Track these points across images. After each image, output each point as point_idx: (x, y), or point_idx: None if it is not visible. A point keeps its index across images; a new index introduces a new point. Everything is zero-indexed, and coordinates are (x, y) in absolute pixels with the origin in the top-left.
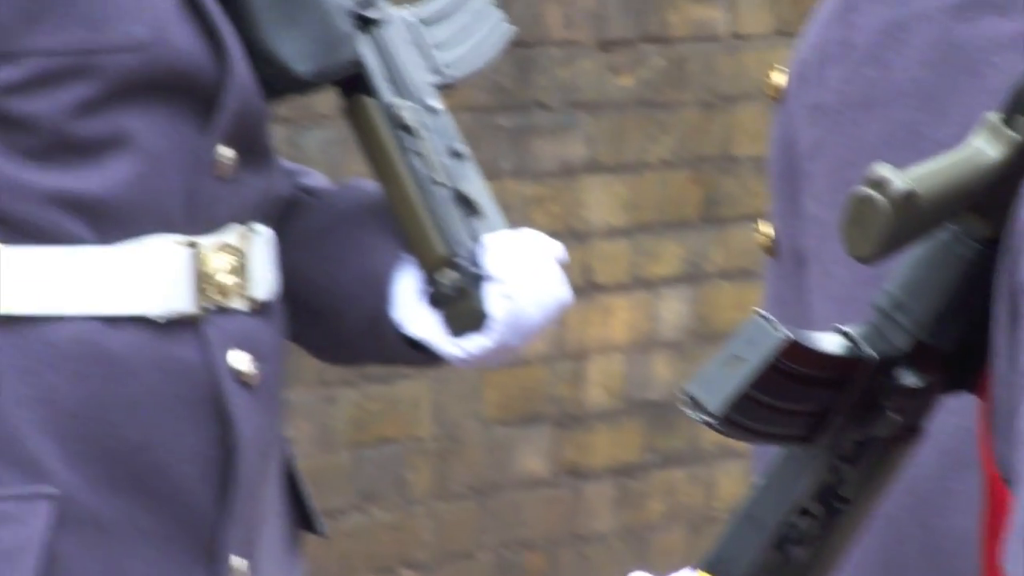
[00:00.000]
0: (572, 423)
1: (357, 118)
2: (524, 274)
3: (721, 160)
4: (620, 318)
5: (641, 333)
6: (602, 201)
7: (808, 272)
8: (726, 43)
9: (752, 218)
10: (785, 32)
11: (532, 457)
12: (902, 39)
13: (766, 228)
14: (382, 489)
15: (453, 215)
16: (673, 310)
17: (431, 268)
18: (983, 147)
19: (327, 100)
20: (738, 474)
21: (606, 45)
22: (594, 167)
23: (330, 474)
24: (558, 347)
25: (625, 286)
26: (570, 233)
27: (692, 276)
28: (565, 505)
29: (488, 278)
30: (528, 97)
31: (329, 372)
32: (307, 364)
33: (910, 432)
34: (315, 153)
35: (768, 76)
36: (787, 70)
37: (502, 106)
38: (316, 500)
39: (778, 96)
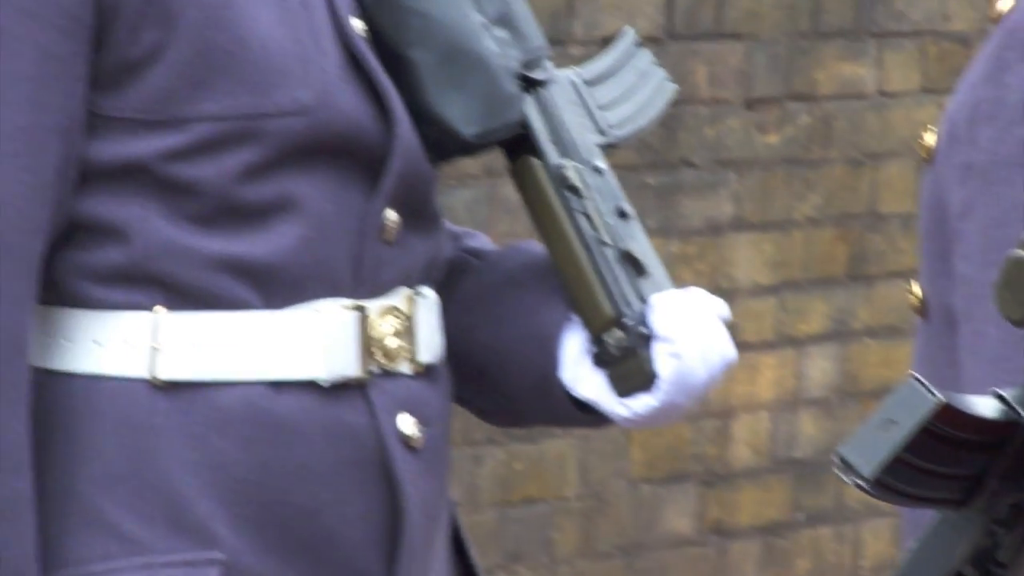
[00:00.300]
0: (718, 481)
1: (523, 179)
2: (691, 333)
3: (868, 217)
4: (766, 376)
5: (787, 391)
6: (748, 259)
7: (959, 333)
8: (873, 100)
9: (899, 276)
10: (932, 90)
11: (678, 516)
12: None
13: (916, 288)
14: (528, 549)
15: (620, 275)
16: (819, 368)
17: (598, 329)
18: None
19: (473, 159)
20: (885, 532)
21: (752, 103)
22: (740, 225)
23: (476, 534)
24: (703, 405)
25: (771, 344)
26: (716, 291)
27: (838, 334)
28: (711, 564)
29: (655, 338)
30: (675, 155)
31: (475, 431)
32: (453, 423)
33: None
34: (461, 212)
35: (915, 134)
36: (937, 130)
37: (649, 164)
38: None
39: (928, 156)
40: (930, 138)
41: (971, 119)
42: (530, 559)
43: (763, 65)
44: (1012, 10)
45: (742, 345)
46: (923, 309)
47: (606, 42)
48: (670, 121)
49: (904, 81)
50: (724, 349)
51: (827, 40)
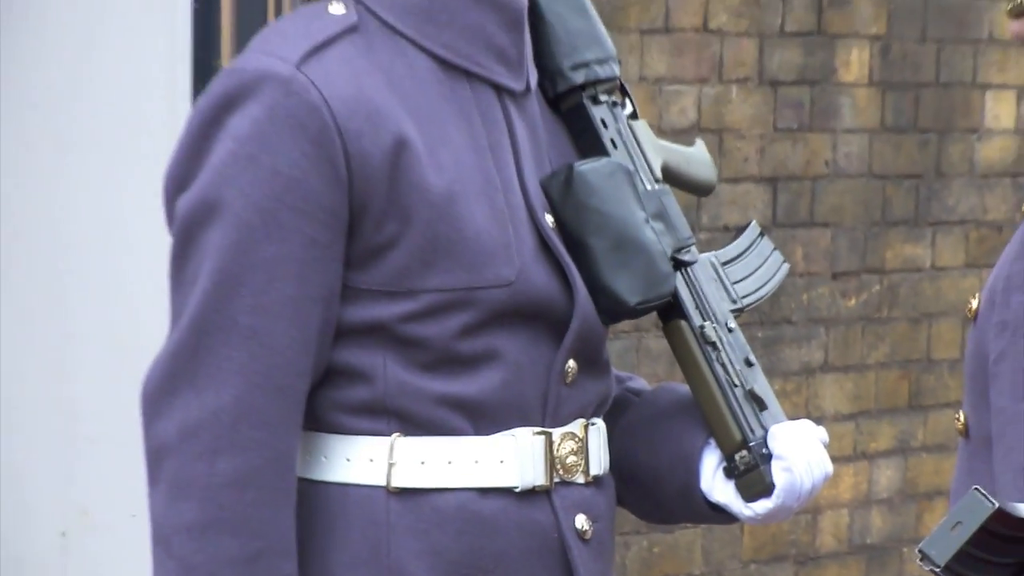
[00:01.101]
0: (808, 562)
1: (673, 336)
2: (800, 453)
3: (925, 362)
4: (845, 482)
5: (861, 493)
6: (833, 394)
7: (994, 450)
8: (928, 273)
9: (948, 407)
10: (974, 265)
11: None
12: None
13: (961, 416)
14: None
15: (746, 409)
16: (886, 475)
17: (729, 450)
18: None
19: None
20: None
21: (837, 275)
22: (827, 368)
23: None
24: None
25: (849, 457)
26: (808, 418)
27: (901, 450)
28: None
29: (773, 456)
30: (778, 315)
31: (625, 523)
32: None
33: None
34: (615, 359)
35: (962, 299)
36: (979, 296)
37: (759, 322)
38: None
39: (972, 316)
40: (974, 303)
41: (1006, 287)
42: None
43: (845, 246)
44: None
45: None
46: (965, 431)
47: (727, 230)
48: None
49: (953, 258)
50: (825, 464)
51: (894, 227)
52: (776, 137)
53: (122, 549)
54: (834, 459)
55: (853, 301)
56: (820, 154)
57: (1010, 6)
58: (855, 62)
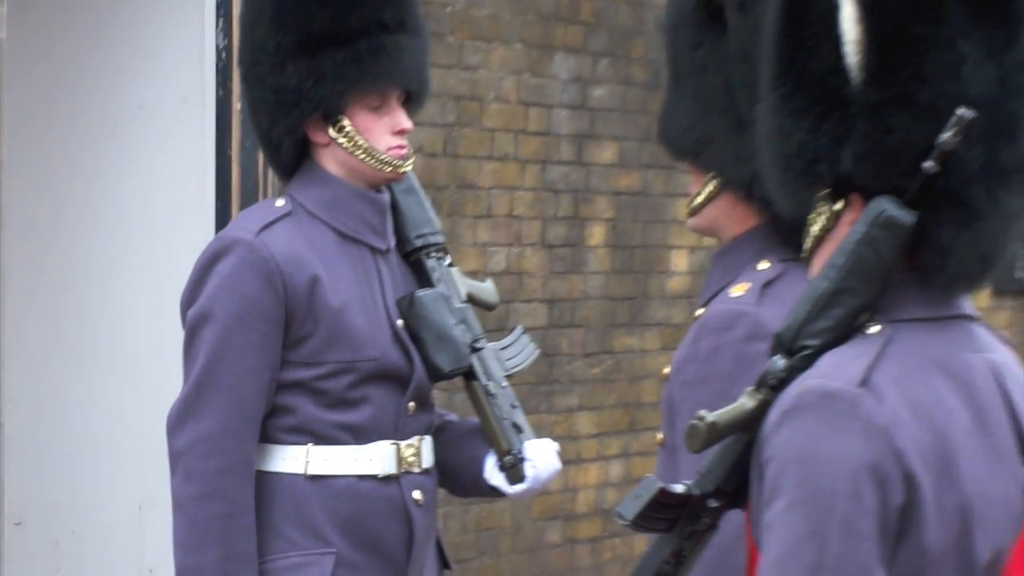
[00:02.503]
0: (571, 519)
1: (470, 390)
2: (540, 458)
3: (637, 404)
4: (591, 472)
5: (601, 480)
6: (584, 423)
7: (678, 457)
8: (639, 354)
9: (652, 429)
10: (667, 348)
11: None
12: None
13: (659, 436)
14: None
15: (511, 433)
16: (616, 470)
17: (500, 455)
18: (745, 401)
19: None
20: None
21: (588, 354)
22: (581, 408)
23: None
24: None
25: (593, 459)
26: (570, 438)
27: (625, 455)
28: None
29: (525, 460)
30: (553, 377)
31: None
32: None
33: (712, 527)
34: (459, 405)
35: (659, 368)
36: (670, 367)
37: (545, 381)
38: None
39: (664, 378)
40: (666, 370)
41: (674, 366)
42: (472, 549)
43: (592, 338)
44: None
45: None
46: (662, 443)
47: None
48: None
49: (653, 345)
50: (555, 463)
51: (620, 326)
52: (552, 276)
53: None
54: (581, 460)
55: (596, 369)
56: (577, 286)
57: (687, 209)
58: (597, 234)
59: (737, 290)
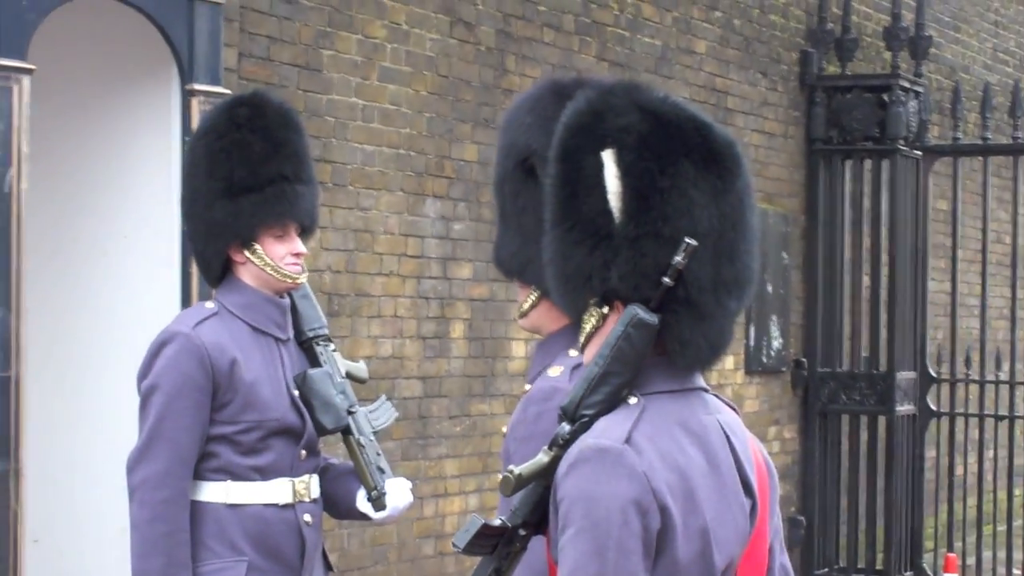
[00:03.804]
0: (442, 536)
1: (346, 442)
2: (396, 493)
3: (488, 454)
4: (455, 503)
5: (464, 509)
6: (451, 467)
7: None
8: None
9: (498, 471)
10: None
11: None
12: None
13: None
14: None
15: (376, 473)
16: (471, 503)
17: (368, 490)
18: (542, 456)
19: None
20: None
21: (453, 417)
22: (447, 456)
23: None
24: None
25: (456, 493)
26: (429, 477)
27: (479, 491)
28: None
29: (386, 493)
30: (416, 432)
31: (333, 522)
32: (324, 517)
33: (523, 549)
34: (338, 452)
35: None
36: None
37: (416, 437)
38: None
39: (505, 433)
40: (504, 429)
41: (514, 424)
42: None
43: (453, 407)
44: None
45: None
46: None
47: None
48: None
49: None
50: (407, 497)
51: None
52: (424, 360)
53: None
54: (448, 494)
55: (459, 428)
56: (443, 367)
57: (518, 313)
58: (458, 329)
59: (554, 371)
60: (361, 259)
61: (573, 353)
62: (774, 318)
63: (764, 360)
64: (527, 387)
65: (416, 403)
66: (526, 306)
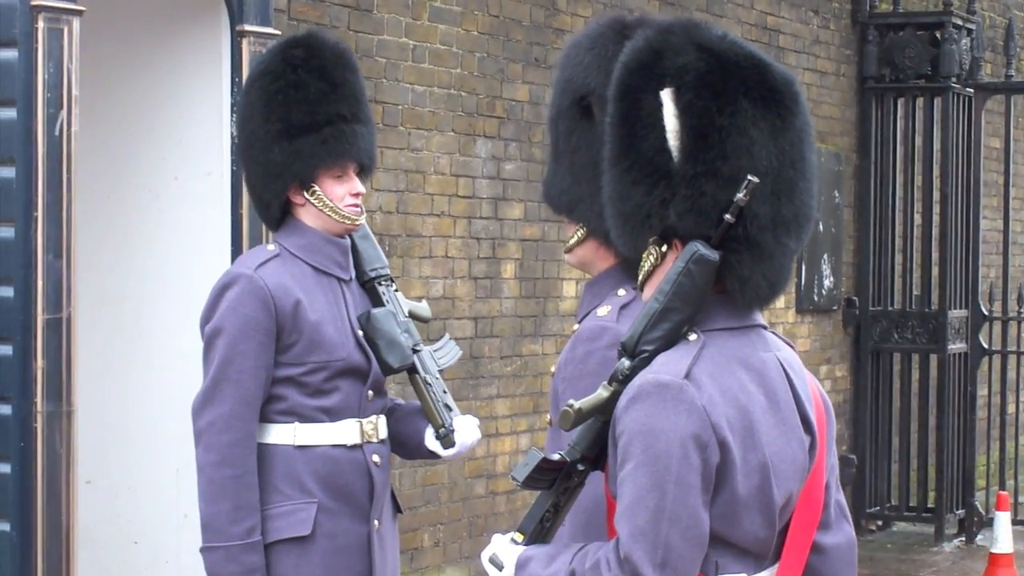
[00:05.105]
0: (492, 477)
1: (412, 381)
2: (464, 429)
3: (540, 393)
4: (506, 443)
5: (514, 449)
6: (501, 406)
7: (560, 435)
8: (542, 357)
9: (545, 411)
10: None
11: None
12: None
13: (547, 417)
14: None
15: (443, 412)
16: (523, 442)
17: (436, 427)
18: (602, 391)
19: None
20: None
21: (503, 357)
22: (498, 396)
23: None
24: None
25: (508, 432)
26: (490, 417)
27: (530, 431)
28: None
29: (454, 431)
30: (477, 373)
31: (404, 461)
32: (392, 457)
33: (580, 484)
34: (406, 392)
35: (549, 367)
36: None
37: (471, 376)
38: None
39: (552, 374)
40: (553, 368)
41: (563, 364)
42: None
43: (504, 346)
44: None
45: None
46: (550, 423)
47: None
48: None
49: (552, 350)
50: (477, 435)
51: (527, 336)
52: (476, 300)
53: None
54: (499, 434)
55: (510, 367)
56: (495, 307)
57: (565, 249)
58: (509, 269)
59: (602, 311)
60: (412, 200)
61: (622, 292)
62: (825, 257)
63: (815, 299)
64: (575, 327)
65: (468, 343)
66: (572, 241)
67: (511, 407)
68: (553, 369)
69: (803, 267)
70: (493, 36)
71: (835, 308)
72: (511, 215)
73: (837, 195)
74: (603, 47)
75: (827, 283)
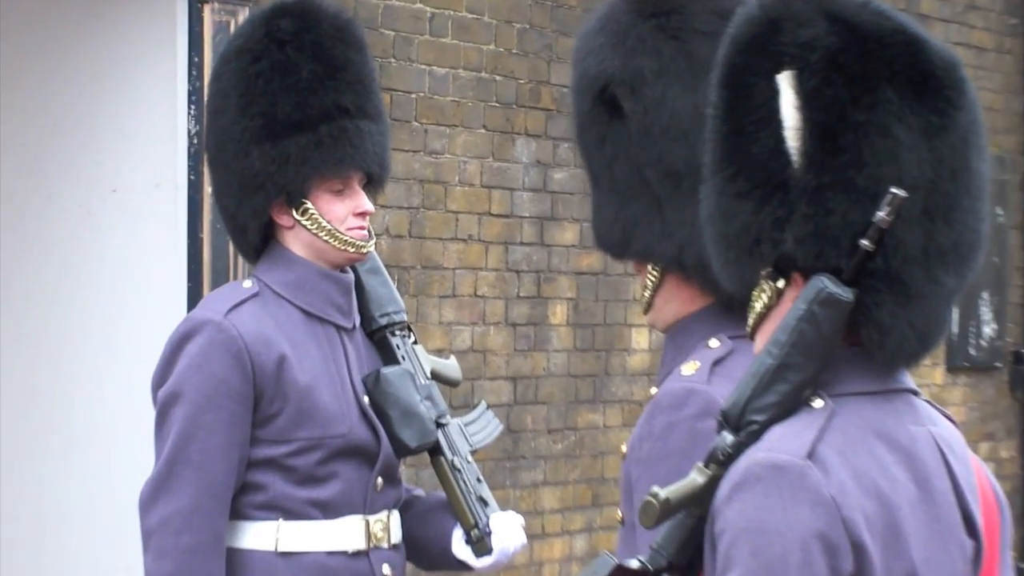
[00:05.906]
0: None
1: (436, 465)
2: (506, 531)
3: (600, 479)
4: (556, 547)
5: (565, 554)
6: (548, 498)
7: (636, 533)
8: (601, 429)
9: (614, 504)
10: (628, 425)
11: None
12: None
13: (618, 513)
14: None
15: (477, 506)
16: (579, 544)
17: (467, 528)
18: (696, 476)
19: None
20: None
21: (551, 430)
22: (545, 483)
23: None
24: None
25: (558, 534)
26: (532, 512)
27: (588, 529)
28: None
29: (491, 533)
30: (517, 453)
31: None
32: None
33: None
34: (425, 480)
35: (619, 444)
36: (627, 442)
37: (507, 457)
38: None
39: (622, 456)
40: (624, 447)
41: (632, 445)
42: None
43: (555, 414)
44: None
45: None
46: (622, 521)
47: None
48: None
49: (615, 421)
50: (520, 538)
51: (582, 403)
52: (515, 354)
53: None
54: (546, 534)
55: (560, 445)
56: (540, 364)
57: (643, 305)
58: (559, 313)
59: (688, 368)
60: (430, 219)
61: (714, 344)
62: (985, 295)
63: (972, 352)
64: (653, 390)
65: (504, 412)
66: (648, 292)
67: (562, 499)
68: (624, 448)
69: (955, 311)
70: (538, 1)
71: (998, 365)
72: (562, 240)
73: (1001, 212)
74: (614, 22)
75: (987, 331)
